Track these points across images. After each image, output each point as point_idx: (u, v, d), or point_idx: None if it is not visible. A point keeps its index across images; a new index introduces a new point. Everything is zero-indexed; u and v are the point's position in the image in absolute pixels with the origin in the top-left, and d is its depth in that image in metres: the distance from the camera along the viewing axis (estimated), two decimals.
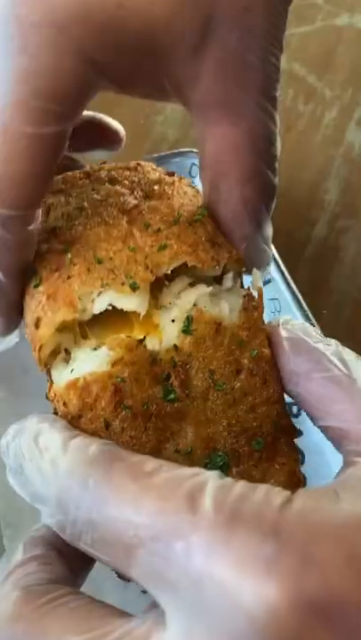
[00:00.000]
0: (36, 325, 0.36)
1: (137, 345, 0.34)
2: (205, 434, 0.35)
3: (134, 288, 0.35)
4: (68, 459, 0.31)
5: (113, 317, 0.36)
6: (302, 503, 0.27)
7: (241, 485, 0.28)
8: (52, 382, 0.36)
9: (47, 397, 0.36)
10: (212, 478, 0.28)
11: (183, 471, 0.29)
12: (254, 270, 0.39)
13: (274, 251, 0.60)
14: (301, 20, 0.93)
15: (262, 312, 0.37)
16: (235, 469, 0.36)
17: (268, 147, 0.37)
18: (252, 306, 0.37)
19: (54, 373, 0.36)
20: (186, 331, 0.35)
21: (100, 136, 0.49)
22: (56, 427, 0.33)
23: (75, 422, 0.34)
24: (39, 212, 0.36)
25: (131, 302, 0.35)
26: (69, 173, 0.42)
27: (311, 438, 0.40)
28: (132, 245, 0.36)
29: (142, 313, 0.35)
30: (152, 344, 0.35)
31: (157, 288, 0.37)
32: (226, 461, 0.35)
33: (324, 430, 0.35)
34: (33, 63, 0.32)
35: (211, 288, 0.37)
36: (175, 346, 0.35)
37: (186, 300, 0.36)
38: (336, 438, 0.34)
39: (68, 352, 0.37)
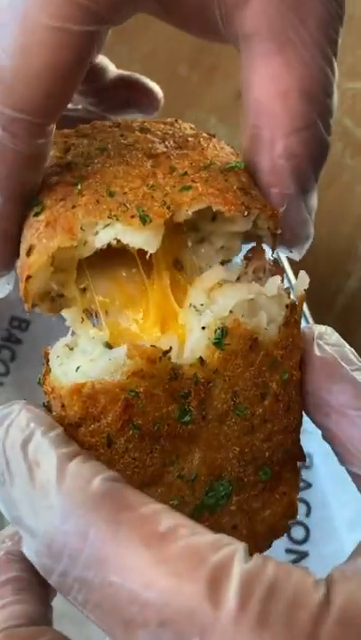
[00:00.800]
0: (28, 253, 0.31)
1: (160, 357, 0.30)
2: (213, 460, 0.32)
3: (145, 221, 0.30)
4: (64, 492, 0.26)
5: (122, 282, 0.32)
6: (344, 603, 0.23)
7: (272, 571, 0.24)
8: (48, 370, 0.31)
9: (39, 383, 0.32)
10: (238, 556, 0.24)
11: (205, 538, 0.24)
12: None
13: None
14: (356, 75, 0.95)
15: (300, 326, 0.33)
16: (235, 498, 0.32)
17: (323, 97, 0.32)
18: (294, 319, 0.33)
19: (54, 361, 0.31)
20: (218, 344, 0.31)
21: (135, 97, 0.45)
22: (50, 437, 0.28)
23: (71, 430, 0.30)
24: (52, 130, 0.32)
25: (139, 238, 0.31)
26: (98, 122, 0.38)
27: (319, 488, 0.39)
28: (151, 183, 0.32)
29: (151, 252, 0.31)
30: (175, 354, 0.31)
31: (177, 267, 0.33)
32: (228, 492, 0.32)
33: (353, 477, 0.32)
34: None
35: (252, 293, 0.32)
36: (201, 359, 0.31)
37: (223, 304, 0.31)
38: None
39: (60, 297, 0.33)
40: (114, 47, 0.91)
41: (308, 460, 0.46)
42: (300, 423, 0.34)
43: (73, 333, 0.32)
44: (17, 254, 0.33)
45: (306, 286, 0.33)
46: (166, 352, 0.30)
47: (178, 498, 0.31)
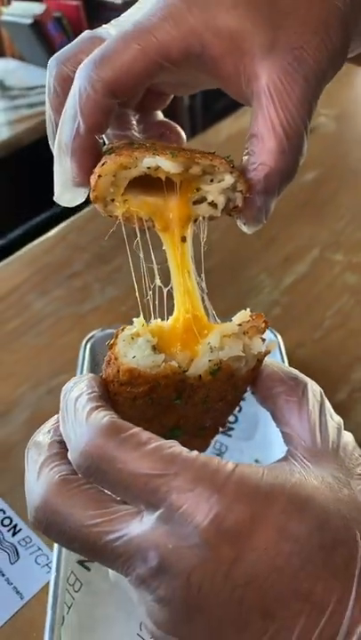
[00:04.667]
0: (102, 165, 0.44)
1: (181, 372, 0.45)
2: (180, 420, 0.49)
3: (173, 155, 0.44)
4: (89, 423, 0.39)
5: (150, 202, 0.47)
6: (242, 470, 0.38)
7: (216, 461, 0.38)
8: (116, 344, 0.45)
9: (108, 345, 0.45)
10: (184, 450, 0.39)
11: (167, 442, 0.39)
12: (272, 342, 0.49)
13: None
14: None
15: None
16: (182, 438, 0.50)
17: (299, 140, 0.44)
18: (258, 366, 0.48)
19: (121, 343, 0.45)
20: (213, 373, 0.46)
21: (167, 134, 0.58)
22: (90, 396, 0.42)
23: (116, 385, 0.44)
24: (115, 105, 0.45)
25: (169, 164, 0.44)
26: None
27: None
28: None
29: (175, 172, 0.44)
30: (184, 363, 0.46)
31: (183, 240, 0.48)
32: (180, 434, 0.50)
33: (283, 435, 0.47)
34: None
35: (244, 351, 0.47)
36: (200, 377, 0.46)
37: (226, 352, 0.46)
38: (286, 440, 0.46)
39: (112, 202, 0.46)
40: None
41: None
42: (232, 411, 0.51)
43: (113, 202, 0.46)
44: (91, 166, 0.45)
45: (274, 348, 0.50)
46: (185, 371, 0.45)
47: (154, 429, 0.44)
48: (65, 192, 0.48)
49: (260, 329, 0.50)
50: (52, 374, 0.98)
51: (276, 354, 0.94)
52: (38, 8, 3.02)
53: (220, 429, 0.55)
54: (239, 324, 0.49)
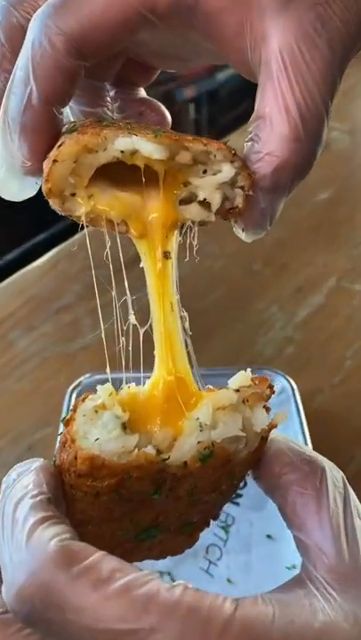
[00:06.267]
0: (58, 147, 0.35)
1: (160, 461, 0.36)
2: (158, 517, 0.40)
3: (157, 135, 0.35)
4: (30, 550, 0.31)
5: (123, 198, 0.37)
6: (245, 615, 0.30)
7: (190, 595, 0.30)
8: (74, 419, 0.36)
9: (62, 422, 0.37)
10: (161, 585, 0.30)
11: (134, 576, 0.30)
12: (279, 413, 0.40)
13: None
14: None
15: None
16: (159, 536, 0.41)
17: (317, 124, 0.36)
18: (261, 446, 0.39)
19: (81, 418, 0.36)
20: (203, 460, 0.36)
21: (148, 113, 0.48)
22: (34, 501, 0.33)
23: (72, 475, 0.35)
24: (83, 68, 0.36)
25: (151, 146, 0.35)
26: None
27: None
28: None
29: (158, 157, 0.35)
30: (164, 444, 0.37)
31: (166, 257, 0.38)
32: (157, 533, 0.40)
33: (295, 539, 0.38)
34: None
35: (244, 429, 0.38)
36: (185, 463, 0.36)
37: (220, 432, 0.37)
38: (301, 550, 0.38)
39: (72, 197, 0.36)
40: (207, 244, 1.12)
41: None
42: (228, 499, 0.42)
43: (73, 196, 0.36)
44: (47, 149, 0.36)
45: (284, 420, 0.39)
46: (165, 459, 0.36)
47: (124, 531, 0.39)
48: (10, 181, 0.39)
49: (263, 396, 0.39)
50: (34, 427, 0.88)
51: (289, 402, 0.83)
52: None
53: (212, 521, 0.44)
54: (237, 390, 0.39)
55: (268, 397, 0.40)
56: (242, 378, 0.40)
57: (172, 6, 0.35)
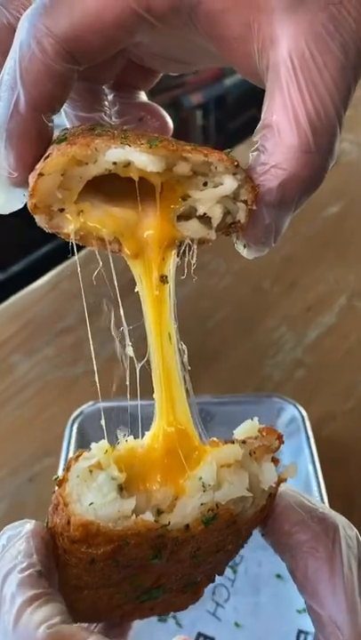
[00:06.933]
0: (45, 159, 0.33)
1: (159, 527, 0.34)
2: (159, 579, 0.38)
3: (152, 145, 0.33)
4: (16, 636, 0.30)
5: (115, 214, 0.34)
6: None
7: None
8: (66, 480, 0.34)
9: (55, 481, 0.35)
10: None
11: None
12: (288, 467, 0.38)
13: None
14: None
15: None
16: (162, 597, 0.39)
17: (327, 137, 0.34)
18: (269, 504, 0.37)
19: (74, 480, 0.34)
20: (206, 523, 0.34)
21: (147, 119, 0.45)
22: (23, 576, 0.32)
23: (66, 540, 0.33)
24: (75, 71, 0.34)
25: (145, 158, 0.33)
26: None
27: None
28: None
29: (154, 170, 0.33)
30: (165, 503, 0.35)
31: (163, 281, 0.35)
32: (159, 594, 0.39)
33: (307, 607, 0.36)
34: None
35: (245, 492, 0.35)
36: (187, 526, 0.34)
37: (225, 493, 0.35)
38: (314, 621, 0.36)
39: (60, 212, 0.34)
40: (212, 261, 1.09)
41: None
42: (234, 556, 0.40)
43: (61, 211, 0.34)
44: (34, 160, 0.34)
45: (293, 475, 0.37)
46: (166, 525, 0.34)
47: (122, 593, 0.37)
48: None
49: (272, 448, 0.37)
50: (34, 457, 0.85)
51: (299, 432, 0.79)
52: None
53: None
54: (243, 441, 0.37)
55: (277, 449, 0.37)
56: (248, 427, 0.38)
57: (171, 6, 0.33)
